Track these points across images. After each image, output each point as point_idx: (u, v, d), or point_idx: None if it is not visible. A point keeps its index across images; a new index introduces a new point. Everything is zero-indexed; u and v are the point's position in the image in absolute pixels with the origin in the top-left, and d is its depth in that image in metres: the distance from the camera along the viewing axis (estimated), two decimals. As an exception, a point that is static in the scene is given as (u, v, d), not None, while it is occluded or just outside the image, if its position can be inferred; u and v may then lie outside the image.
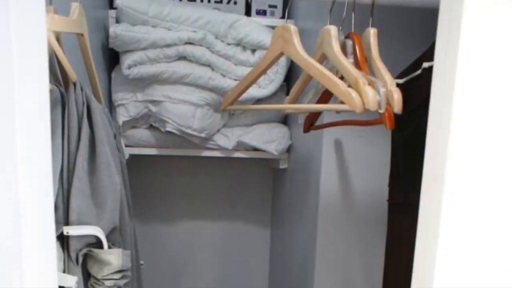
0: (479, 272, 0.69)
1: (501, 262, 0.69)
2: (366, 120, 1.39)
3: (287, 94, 1.71)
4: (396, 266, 1.50)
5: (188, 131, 2.03)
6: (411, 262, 0.77)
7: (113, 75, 2.08)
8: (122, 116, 2.06)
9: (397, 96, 1.12)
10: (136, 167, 2.39)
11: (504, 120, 0.67)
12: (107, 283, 1.18)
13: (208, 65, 2.00)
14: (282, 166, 2.29)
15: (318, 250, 1.79)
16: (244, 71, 1.97)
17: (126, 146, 2.05)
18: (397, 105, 1.12)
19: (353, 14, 1.31)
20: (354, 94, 1.14)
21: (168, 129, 2.04)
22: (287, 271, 2.25)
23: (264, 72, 1.60)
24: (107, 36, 1.99)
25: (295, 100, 1.59)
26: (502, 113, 0.67)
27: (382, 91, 1.13)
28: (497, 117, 0.67)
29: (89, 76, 1.45)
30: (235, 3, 2.17)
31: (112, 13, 2.02)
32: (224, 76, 2.02)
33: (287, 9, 1.57)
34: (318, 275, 1.79)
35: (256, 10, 2.19)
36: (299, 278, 2.02)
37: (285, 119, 2.30)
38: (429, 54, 1.20)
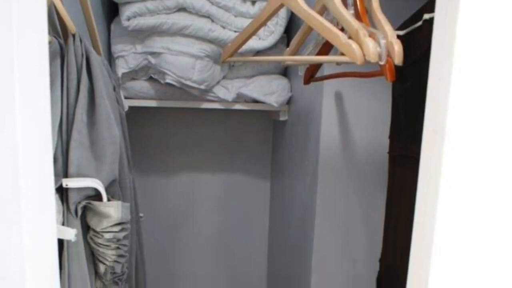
0: (480, 223, 0.69)
1: (502, 213, 0.69)
2: (366, 72, 1.38)
3: (287, 45, 1.70)
4: (396, 218, 1.51)
5: (188, 82, 2.01)
6: (412, 215, 0.77)
7: (112, 26, 2.06)
8: (122, 68, 2.04)
9: (397, 48, 1.11)
10: (135, 119, 2.38)
11: (505, 72, 0.66)
12: (106, 235, 1.19)
13: (208, 16, 1.97)
14: (282, 118, 2.28)
15: (318, 202, 1.80)
16: (244, 22, 1.95)
17: (126, 98, 2.04)
18: (398, 57, 1.11)
19: (354, -36, 1.28)
20: (354, 45, 1.13)
21: (167, 81, 2.03)
22: (287, 223, 2.27)
23: (264, 23, 1.58)
24: (105, -14, 1.96)
25: (295, 52, 1.58)
26: (503, 65, 0.66)
27: (382, 43, 1.12)
28: (498, 68, 0.66)
29: (88, 28, 1.43)
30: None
31: (110, -37, 1.99)
32: (224, 27, 2.00)
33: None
34: (319, 227, 1.80)
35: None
36: (299, 230, 2.04)
37: (285, 71, 2.28)
38: (430, 5, 1.18)
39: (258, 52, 2.10)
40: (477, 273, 0.70)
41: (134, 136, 2.19)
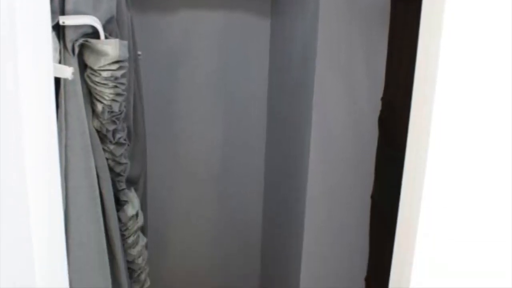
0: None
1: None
2: None
3: None
4: (398, 62, 1.49)
5: None
6: (413, 59, 0.75)
7: None
8: None
9: None
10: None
11: None
12: (104, 74, 1.17)
13: None
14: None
15: (319, 43, 1.76)
16: None
17: None
18: None
19: None
20: None
21: None
22: (288, 62, 2.25)
23: None
24: None
25: None
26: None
27: None
28: None
29: None
30: None
31: None
32: None
33: None
34: (320, 67, 1.77)
35: None
36: (299, 70, 2.02)
37: None
38: None
39: None
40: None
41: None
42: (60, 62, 1.10)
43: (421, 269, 0.71)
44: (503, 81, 0.68)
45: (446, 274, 0.72)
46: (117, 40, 1.17)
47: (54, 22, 1.06)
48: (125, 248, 1.44)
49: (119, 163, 1.34)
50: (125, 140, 1.35)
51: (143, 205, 1.60)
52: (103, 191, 1.27)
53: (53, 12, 1.03)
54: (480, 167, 0.70)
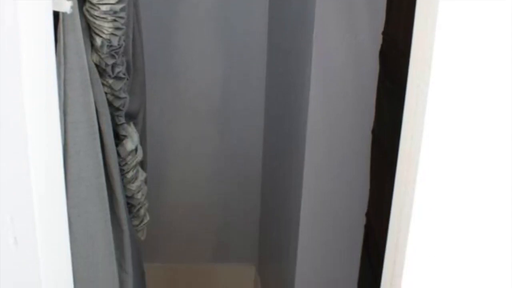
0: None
1: None
2: None
3: None
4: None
5: None
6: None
7: None
8: None
9: None
10: None
11: None
12: (103, 7, 1.15)
13: None
14: None
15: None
16: None
17: None
18: None
19: None
20: None
21: None
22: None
23: None
24: None
25: None
26: None
27: None
28: None
29: None
30: None
31: None
32: None
33: None
34: (320, 4, 1.74)
35: None
36: (299, 5, 1.99)
37: None
38: None
39: None
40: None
41: None
42: (58, -5, 1.08)
43: (422, 204, 0.71)
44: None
45: (447, 207, 0.72)
46: (115, -28, 1.15)
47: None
48: (124, 183, 1.45)
49: (118, 98, 1.34)
50: (124, 74, 1.34)
51: (143, 140, 1.60)
52: (102, 126, 1.27)
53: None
54: (485, 102, 0.69)
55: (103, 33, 1.19)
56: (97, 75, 1.24)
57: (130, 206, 1.52)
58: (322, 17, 1.75)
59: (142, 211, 1.59)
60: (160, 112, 2.69)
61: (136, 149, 1.46)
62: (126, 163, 1.43)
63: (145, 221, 1.63)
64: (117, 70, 1.29)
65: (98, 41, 1.20)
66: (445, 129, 0.68)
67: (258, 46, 2.70)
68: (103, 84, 1.27)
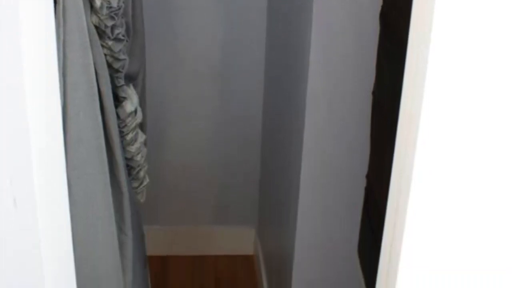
0: None
1: None
2: None
3: None
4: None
5: None
6: None
7: None
8: None
9: None
10: None
11: None
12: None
13: None
14: None
15: None
16: None
17: None
18: None
19: None
20: None
21: None
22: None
23: None
24: None
25: None
26: None
27: None
28: None
29: None
30: None
31: None
32: None
33: None
34: None
35: None
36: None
37: None
38: None
39: None
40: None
41: None
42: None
43: (423, 166, 0.71)
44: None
45: (448, 169, 0.72)
46: None
47: None
48: (124, 145, 1.44)
49: (118, 59, 1.33)
50: (123, 36, 1.33)
51: (142, 102, 1.59)
52: (102, 88, 1.26)
53: None
54: (488, 61, 0.68)
55: (103, -8, 1.18)
56: (96, 36, 1.23)
57: (129, 168, 1.52)
58: (322, -22, 1.74)
59: (141, 173, 1.59)
60: (160, 74, 2.67)
61: (135, 111, 1.45)
62: (125, 125, 1.42)
63: (145, 183, 1.63)
64: (116, 31, 1.27)
65: (98, 2, 1.19)
66: (446, 90, 0.68)
67: (258, 7, 2.67)
68: (102, 46, 1.26)
